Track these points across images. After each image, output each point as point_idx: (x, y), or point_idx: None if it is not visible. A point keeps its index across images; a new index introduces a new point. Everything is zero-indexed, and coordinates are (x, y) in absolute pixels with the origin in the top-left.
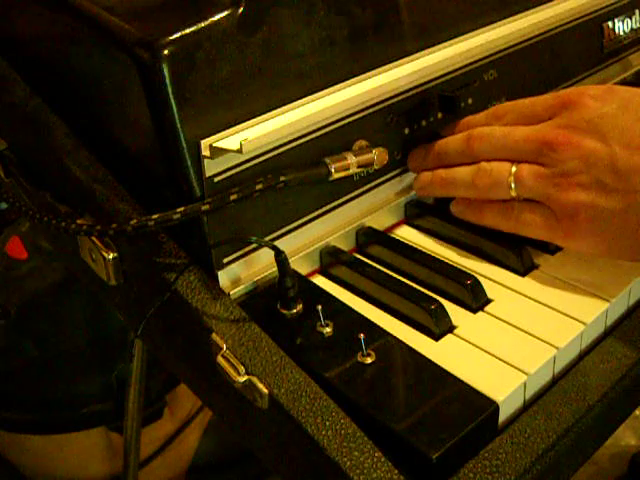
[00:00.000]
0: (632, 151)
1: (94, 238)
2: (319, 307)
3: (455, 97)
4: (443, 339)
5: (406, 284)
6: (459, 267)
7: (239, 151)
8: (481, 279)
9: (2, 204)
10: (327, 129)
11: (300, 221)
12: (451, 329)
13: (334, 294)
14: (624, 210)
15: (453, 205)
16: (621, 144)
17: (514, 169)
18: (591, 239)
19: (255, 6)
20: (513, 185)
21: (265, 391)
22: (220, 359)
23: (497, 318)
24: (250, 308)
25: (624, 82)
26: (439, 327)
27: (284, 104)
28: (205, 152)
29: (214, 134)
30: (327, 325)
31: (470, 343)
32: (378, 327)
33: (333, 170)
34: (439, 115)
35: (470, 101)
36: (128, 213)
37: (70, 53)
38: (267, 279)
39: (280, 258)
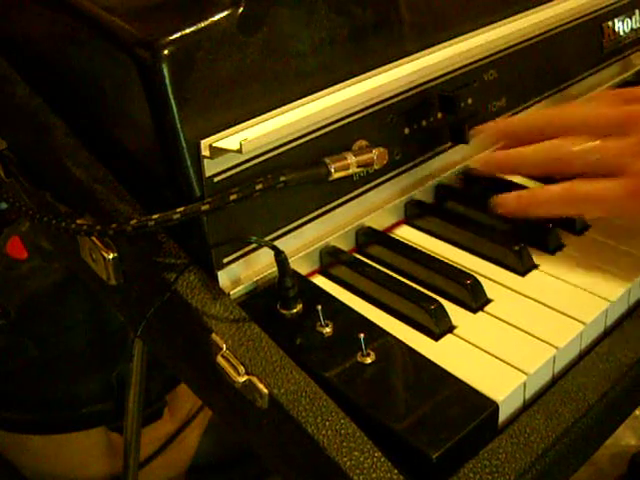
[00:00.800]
0: None
1: (94, 238)
2: (319, 307)
3: (455, 97)
4: (443, 339)
5: (406, 284)
6: (459, 267)
7: (239, 151)
8: (481, 279)
9: (2, 204)
10: (327, 129)
11: (300, 221)
12: (451, 329)
13: (334, 294)
14: None
15: (500, 205)
16: None
17: (593, 142)
18: None
19: (255, 6)
20: (591, 156)
21: (265, 391)
22: (220, 359)
23: (497, 318)
24: (250, 308)
25: (624, 82)
26: (439, 327)
27: (284, 104)
28: (205, 152)
29: (214, 134)
30: (327, 325)
31: (470, 343)
32: (378, 327)
33: (333, 170)
34: (439, 115)
35: (470, 101)
36: (128, 213)
37: (70, 53)
38: (267, 279)
39: (280, 258)
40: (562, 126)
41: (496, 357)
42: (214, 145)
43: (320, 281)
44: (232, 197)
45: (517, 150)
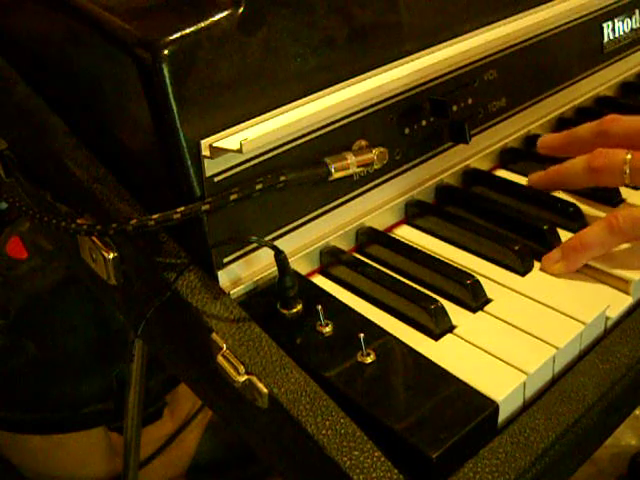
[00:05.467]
0: None
1: (94, 238)
2: (319, 307)
3: (446, 102)
4: (443, 339)
5: (406, 284)
6: (459, 267)
7: (239, 151)
8: (481, 279)
9: (2, 204)
10: (327, 129)
11: (300, 221)
12: (451, 329)
13: (334, 294)
14: None
15: (547, 267)
16: None
17: (629, 156)
18: None
19: (255, 6)
20: (628, 171)
21: (265, 391)
22: (220, 359)
23: (497, 318)
24: (250, 308)
25: (624, 82)
26: (439, 327)
27: (284, 104)
28: (205, 152)
29: (214, 134)
30: (327, 325)
31: (470, 343)
32: (378, 327)
33: (333, 170)
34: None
35: (470, 101)
36: (128, 213)
37: (70, 53)
38: (267, 279)
39: (280, 258)
40: (614, 134)
41: (496, 357)
42: (214, 145)
43: (320, 281)
44: (232, 197)
45: (562, 166)
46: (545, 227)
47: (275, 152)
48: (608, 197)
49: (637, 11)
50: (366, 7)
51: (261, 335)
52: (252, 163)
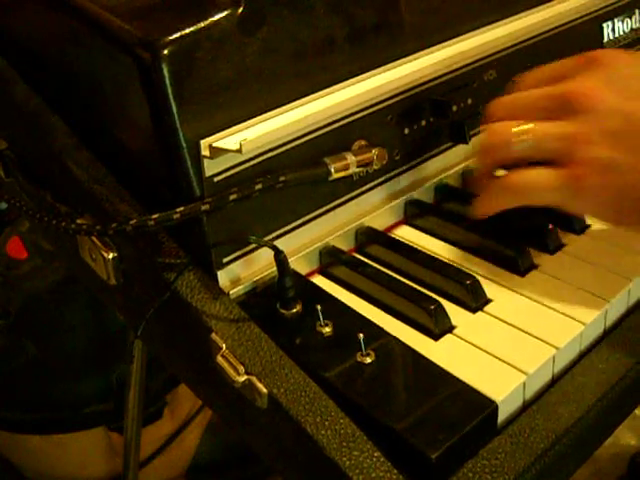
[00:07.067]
0: None
1: (94, 238)
2: (318, 307)
3: (446, 102)
4: (442, 339)
5: (405, 284)
6: (459, 267)
7: (238, 151)
8: (481, 279)
9: (2, 204)
10: (327, 129)
11: (300, 221)
12: (450, 329)
13: (333, 294)
14: (637, 168)
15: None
16: None
17: (527, 126)
18: (602, 196)
19: (255, 6)
20: (525, 142)
21: (264, 391)
22: (220, 359)
23: (496, 318)
24: (250, 308)
25: None
26: (438, 327)
27: (284, 104)
28: (205, 152)
29: (214, 134)
30: (326, 325)
31: (469, 343)
32: (377, 327)
33: (333, 170)
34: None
35: (470, 101)
36: (128, 213)
37: (70, 53)
38: (267, 279)
39: (279, 258)
40: (511, 108)
41: (496, 357)
42: (214, 145)
43: (320, 281)
44: (232, 197)
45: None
46: (545, 227)
47: (274, 152)
48: None
49: (637, 11)
50: (366, 7)
51: (260, 335)
52: (252, 163)
